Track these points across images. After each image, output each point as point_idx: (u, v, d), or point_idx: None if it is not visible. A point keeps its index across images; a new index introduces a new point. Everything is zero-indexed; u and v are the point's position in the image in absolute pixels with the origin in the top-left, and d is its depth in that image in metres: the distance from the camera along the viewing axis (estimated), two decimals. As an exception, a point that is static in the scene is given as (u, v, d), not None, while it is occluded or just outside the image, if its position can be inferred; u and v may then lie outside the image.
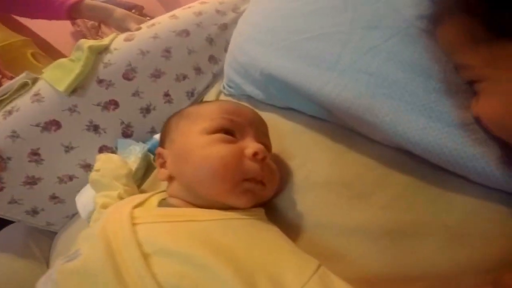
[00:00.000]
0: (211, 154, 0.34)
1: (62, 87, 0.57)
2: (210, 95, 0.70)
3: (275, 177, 0.40)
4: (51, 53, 0.99)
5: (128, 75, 0.62)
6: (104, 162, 0.49)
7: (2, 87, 0.59)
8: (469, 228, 0.32)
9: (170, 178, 0.39)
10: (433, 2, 0.31)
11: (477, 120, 0.30)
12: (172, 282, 0.27)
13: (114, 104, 0.61)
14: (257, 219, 0.36)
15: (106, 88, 0.60)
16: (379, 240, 0.34)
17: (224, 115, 0.38)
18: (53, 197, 0.60)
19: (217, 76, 0.72)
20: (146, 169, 0.58)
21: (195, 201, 0.36)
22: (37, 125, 0.56)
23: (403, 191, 0.36)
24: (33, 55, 0.90)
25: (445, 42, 0.31)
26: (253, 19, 0.63)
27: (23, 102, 0.57)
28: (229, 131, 0.38)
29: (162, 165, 0.40)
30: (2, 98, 0.57)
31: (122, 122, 0.62)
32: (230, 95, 0.65)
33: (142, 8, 1.35)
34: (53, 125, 0.56)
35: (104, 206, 0.43)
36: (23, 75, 0.59)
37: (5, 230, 0.66)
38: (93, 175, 0.48)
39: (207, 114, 0.39)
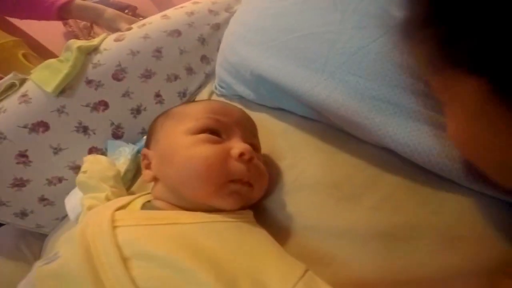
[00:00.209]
0: (194, 155, 0.34)
1: (50, 88, 0.56)
2: (202, 96, 0.69)
3: (264, 178, 0.39)
4: (43, 53, 0.98)
5: (118, 75, 0.62)
6: (91, 164, 0.48)
7: (-11, 88, 0.58)
8: (461, 231, 0.31)
9: (155, 180, 0.38)
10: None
11: None
12: (151, 287, 0.26)
13: (104, 105, 0.60)
14: (244, 222, 0.35)
15: (95, 89, 0.60)
16: (368, 243, 0.33)
17: (210, 115, 0.38)
18: (42, 199, 0.59)
19: (209, 76, 0.71)
20: (136, 170, 0.57)
21: (180, 203, 0.36)
22: (25, 127, 0.55)
23: (393, 193, 0.36)
24: (24, 55, 0.89)
25: (414, 56, 0.30)
26: (244, 19, 0.63)
27: (10, 103, 0.56)
28: (215, 131, 0.37)
29: (147, 166, 0.40)
30: (-11, 99, 0.56)
31: (112, 123, 0.61)
32: (222, 95, 0.65)
33: (135, 8, 1.34)
34: (41, 126, 0.56)
35: (91, 208, 0.42)
36: (10, 76, 0.58)
37: (-5, 232, 0.65)
38: (80, 176, 0.47)
39: (192, 114, 0.38)
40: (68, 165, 0.58)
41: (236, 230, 0.33)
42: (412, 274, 0.30)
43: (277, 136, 0.48)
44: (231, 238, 0.32)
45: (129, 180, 0.55)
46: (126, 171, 0.53)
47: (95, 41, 0.64)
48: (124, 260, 0.27)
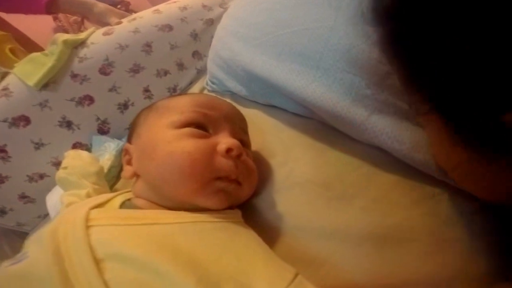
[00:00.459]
0: (177, 149, 0.31)
1: (32, 81, 0.54)
2: (193, 91, 0.67)
3: (253, 176, 0.37)
4: (31, 48, 0.95)
5: (105, 69, 0.59)
6: (72, 159, 0.46)
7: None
8: (456, 232, 0.31)
9: (136, 176, 0.36)
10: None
11: None
12: None
13: (89, 99, 0.58)
14: (231, 222, 0.33)
15: (81, 83, 0.57)
16: (360, 245, 0.32)
17: (196, 108, 0.35)
18: (23, 197, 0.56)
19: (201, 72, 0.69)
20: (121, 167, 0.54)
21: (161, 201, 0.33)
22: (4, 121, 0.52)
23: (386, 193, 0.34)
24: (11, 50, 0.86)
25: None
26: (237, 13, 0.61)
27: (-10, 97, 0.54)
28: (201, 125, 0.35)
29: (128, 162, 0.37)
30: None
31: (98, 118, 0.59)
32: (213, 91, 0.63)
33: (128, 3, 1.32)
34: (22, 120, 0.53)
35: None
36: (-10, 69, 0.56)
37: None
38: (59, 172, 0.44)
39: (177, 107, 0.36)
40: (50, 161, 0.56)
41: (222, 231, 0.31)
42: (404, 277, 0.30)
43: (268, 133, 0.47)
44: (216, 240, 0.30)
45: (113, 177, 0.53)
46: (111, 167, 0.51)
47: (82, 35, 0.62)
48: (97, 262, 0.25)
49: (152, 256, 0.25)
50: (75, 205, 0.35)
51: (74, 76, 0.57)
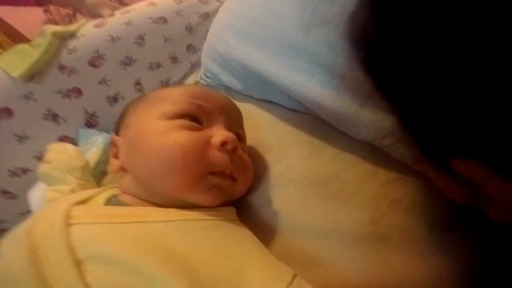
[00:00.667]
0: (167, 142, 0.29)
1: (16, 73, 0.51)
2: (187, 86, 0.65)
3: (248, 171, 0.35)
4: (21, 42, 0.92)
5: (95, 62, 0.57)
6: (56, 153, 0.43)
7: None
8: (453, 232, 0.30)
9: (123, 171, 0.33)
10: None
11: None
12: None
13: (77, 92, 0.55)
14: (225, 220, 0.31)
15: (69, 75, 0.55)
16: (357, 245, 0.31)
17: (190, 99, 0.33)
18: (4, 192, 0.53)
19: (195, 66, 0.68)
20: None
21: (150, 198, 0.31)
22: (-15, 113, 0.50)
23: (383, 191, 0.33)
24: (-1, 43, 0.83)
25: None
26: (234, 7, 0.60)
27: (-28, 89, 0.51)
28: (195, 117, 0.33)
29: (116, 155, 0.35)
30: None
31: (86, 111, 0.56)
32: (208, 85, 0.61)
33: (122, -4, 1.28)
34: (4, 113, 0.50)
35: (54, 202, 0.37)
36: (-27, 62, 0.53)
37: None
38: (42, 167, 0.41)
39: (169, 98, 0.34)
40: (34, 155, 0.53)
41: (215, 230, 0.29)
42: (402, 277, 0.29)
43: (264, 128, 0.45)
44: (208, 240, 0.28)
45: (101, 172, 0.50)
46: (98, 162, 0.49)
47: (72, 27, 0.60)
48: (78, 263, 0.23)
49: (138, 257, 0.23)
50: (56, 201, 0.33)
51: (62, 68, 0.55)
